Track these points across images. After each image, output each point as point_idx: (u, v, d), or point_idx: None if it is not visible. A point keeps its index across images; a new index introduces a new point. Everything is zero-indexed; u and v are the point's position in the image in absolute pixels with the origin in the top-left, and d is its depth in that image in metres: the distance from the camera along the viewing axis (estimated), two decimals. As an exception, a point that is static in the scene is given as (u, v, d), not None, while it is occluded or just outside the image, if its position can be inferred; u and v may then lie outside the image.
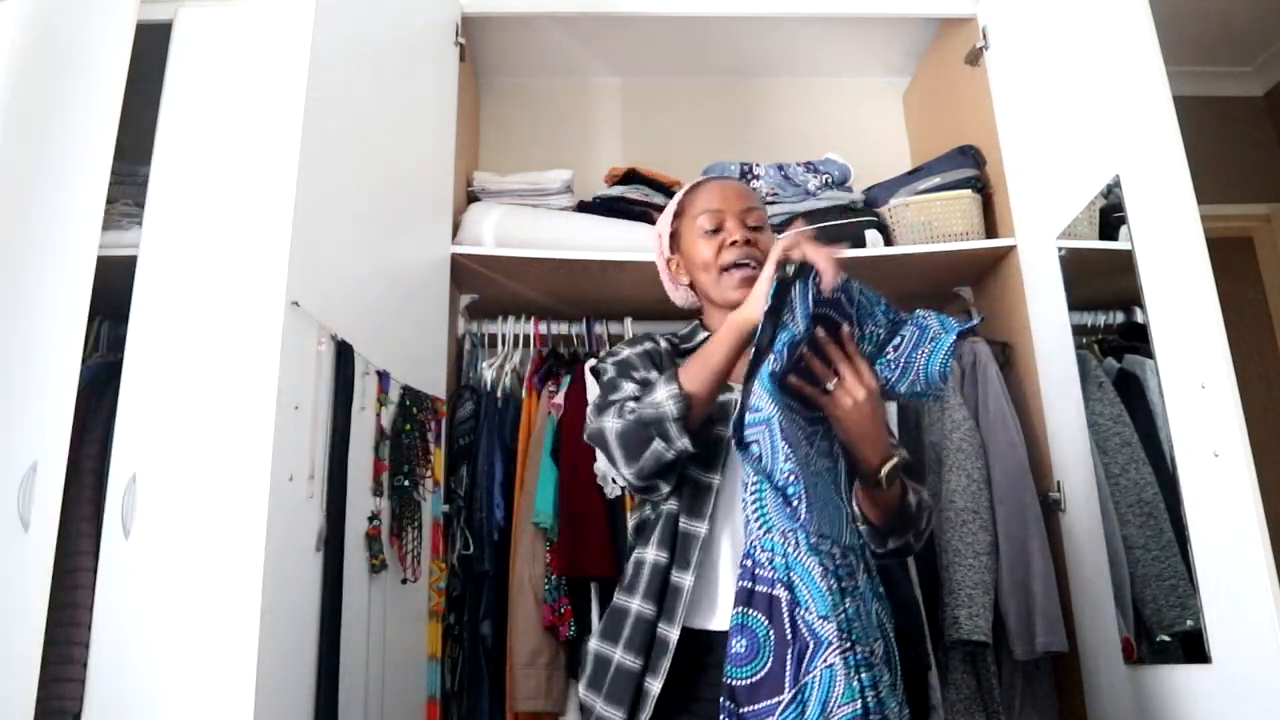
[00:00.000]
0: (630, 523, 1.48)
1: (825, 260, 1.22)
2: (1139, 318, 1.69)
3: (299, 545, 1.49)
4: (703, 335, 1.52)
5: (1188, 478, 1.56)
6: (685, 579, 1.32)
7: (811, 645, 1.16)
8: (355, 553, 1.65)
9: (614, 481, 2.12)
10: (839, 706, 1.12)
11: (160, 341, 1.55)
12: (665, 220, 1.58)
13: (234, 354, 1.50)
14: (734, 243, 1.45)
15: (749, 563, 1.24)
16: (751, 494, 1.26)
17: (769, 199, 2.40)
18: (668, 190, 2.48)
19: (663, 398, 1.28)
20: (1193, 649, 1.55)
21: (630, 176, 2.50)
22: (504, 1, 2.54)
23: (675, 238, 1.54)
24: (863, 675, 1.15)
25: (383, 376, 1.81)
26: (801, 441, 1.27)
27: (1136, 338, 1.71)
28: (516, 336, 2.41)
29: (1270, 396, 2.93)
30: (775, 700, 1.15)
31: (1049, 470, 2.06)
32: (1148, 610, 1.69)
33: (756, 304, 1.26)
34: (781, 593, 1.19)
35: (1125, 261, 1.71)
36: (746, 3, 2.56)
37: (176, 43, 1.72)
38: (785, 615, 1.18)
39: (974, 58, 2.41)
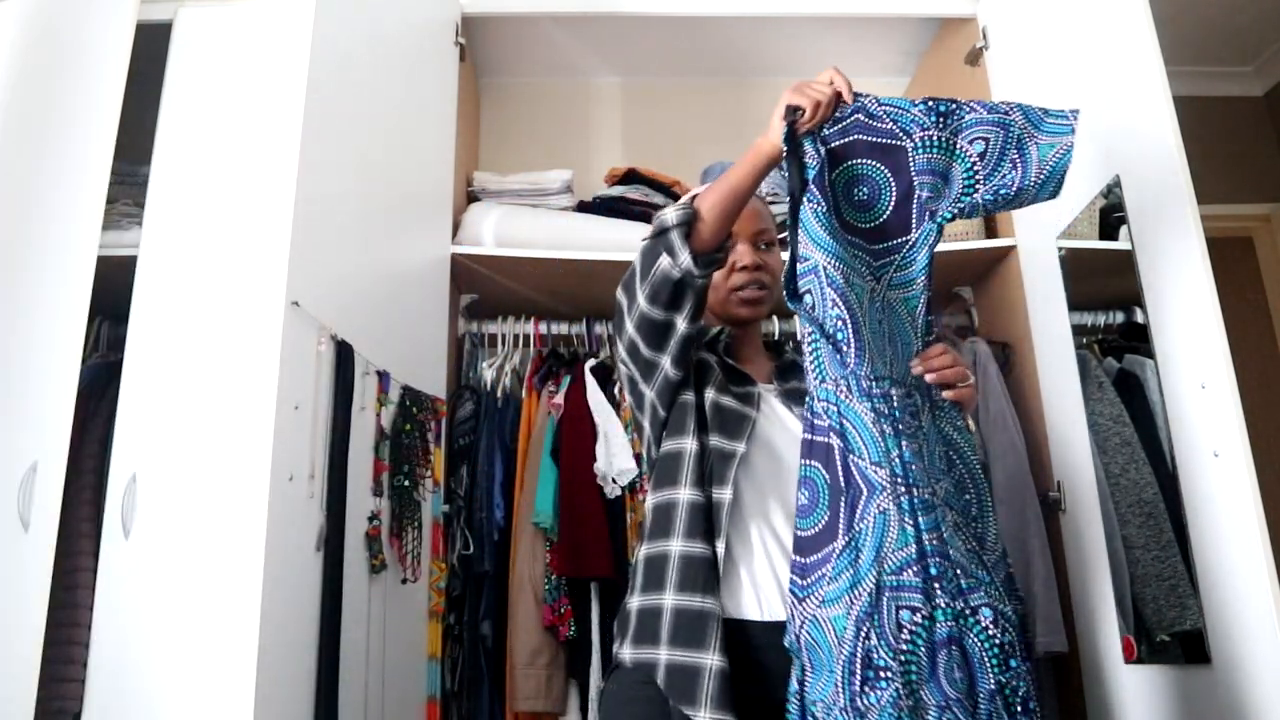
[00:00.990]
0: (652, 474, 1.42)
1: (810, 98, 1.28)
2: (1139, 318, 1.69)
3: (299, 545, 1.49)
4: (713, 330, 1.53)
5: (1188, 478, 1.56)
6: (718, 545, 1.27)
7: (865, 491, 1.15)
8: (355, 553, 1.65)
9: (614, 481, 2.12)
10: (894, 552, 1.12)
11: (160, 341, 1.55)
12: None
13: (234, 354, 1.50)
14: (744, 267, 1.48)
15: (809, 415, 1.24)
16: (809, 346, 1.26)
17: (769, 199, 2.40)
18: (668, 190, 2.48)
19: (670, 209, 1.31)
20: (1193, 649, 1.55)
21: (630, 176, 2.50)
22: (504, 1, 2.54)
23: None
24: (920, 519, 1.13)
25: (383, 376, 1.81)
26: (866, 276, 1.27)
27: (1136, 338, 1.71)
28: (516, 336, 2.41)
29: (1270, 396, 2.93)
30: (830, 548, 1.14)
31: (1049, 470, 2.05)
32: (1148, 610, 1.69)
33: (775, 132, 1.29)
34: (835, 440, 1.19)
35: (1125, 261, 1.71)
36: (746, 3, 2.56)
37: (176, 43, 1.72)
38: (839, 463, 1.18)
39: (974, 58, 2.41)
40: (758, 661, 1.24)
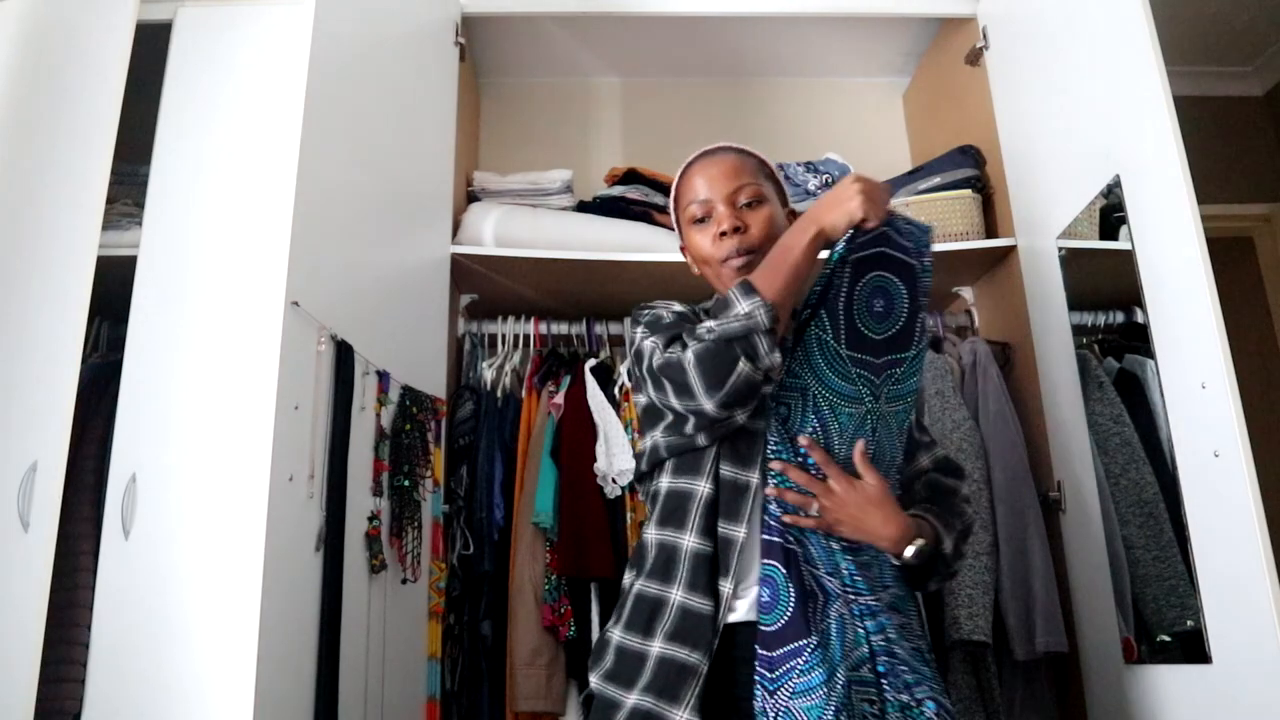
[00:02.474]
0: (653, 502, 1.39)
1: (879, 207, 1.28)
2: (1139, 318, 1.69)
3: (299, 545, 1.49)
4: None
5: (1188, 478, 1.56)
6: (725, 584, 1.26)
7: (823, 598, 1.24)
8: (355, 553, 1.65)
9: (614, 481, 2.12)
10: (851, 651, 1.21)
11: (160, 341, 1.55)
12: (670, 209, 1.56)
13: (234, 354, 1.50)
14: (724, 234, 1.39)
15: (768, 518, 1.28)
16: (773, 449, 1.31)
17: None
18: (668, 190, 2.46)
19: (749, 308, 1.19)
20: (1193, 649, 1.55)
21: (630, 176, 2.50)
22: (504, 1, 2.54)
23: (679, 228, 1.53)
24: (867, 623, 1.23)
25: (383, 376, 1.81)
26: (865, 397, 1.32)
27: (1136, 338, 1.71)
28: (516, 336, 2.41)
29: (1270, 396, 2.93)
30: (802, 642, 1.20)
31: (1049, 470, 2.06)
32: (1148, 610, 1.69)
33: (840, 221, 1.27)
34: (795, 547, 1.27)
35: (1125, 261, 1.71)
36: (746, 3, 2.56)
37: (176, 43, 1.72)
38: (800, 567, 1.25)
39: (974, 58, 2.41)
40: (738, 659, 1.25)
